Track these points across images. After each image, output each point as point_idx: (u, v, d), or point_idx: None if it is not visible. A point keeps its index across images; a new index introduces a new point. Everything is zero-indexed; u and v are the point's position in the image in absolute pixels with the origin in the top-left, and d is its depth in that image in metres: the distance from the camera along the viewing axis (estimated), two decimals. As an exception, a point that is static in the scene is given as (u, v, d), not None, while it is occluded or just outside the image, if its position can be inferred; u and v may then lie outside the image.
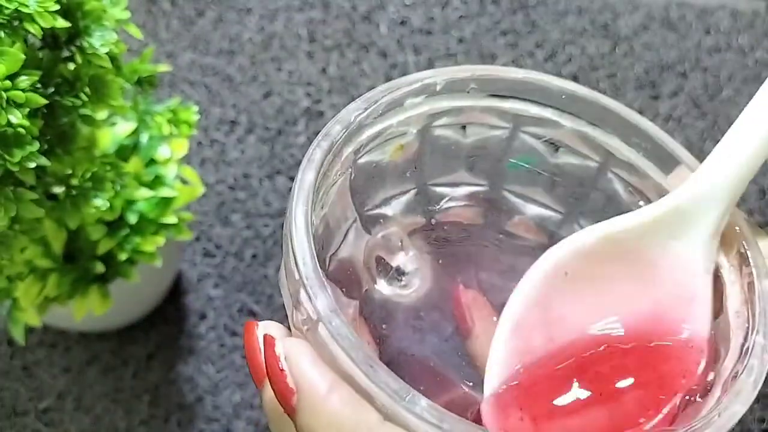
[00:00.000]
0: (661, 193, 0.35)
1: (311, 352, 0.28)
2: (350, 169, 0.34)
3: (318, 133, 0.32)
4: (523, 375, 0.32)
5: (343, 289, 0.33)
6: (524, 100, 0.36)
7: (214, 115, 0.73)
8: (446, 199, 0.38)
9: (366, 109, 0.33)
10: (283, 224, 0.67)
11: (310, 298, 0.27)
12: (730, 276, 0.33)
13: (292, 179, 0.69)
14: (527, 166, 0.38)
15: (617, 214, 0.35)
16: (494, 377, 0.32)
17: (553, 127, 0.37)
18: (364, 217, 0.36)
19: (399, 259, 0.36)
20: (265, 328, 0.30)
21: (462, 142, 0.37)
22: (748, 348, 0.30)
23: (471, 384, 0.34)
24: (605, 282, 0.34)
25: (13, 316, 0.51)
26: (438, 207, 0.38)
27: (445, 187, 0.38)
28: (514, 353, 0.33)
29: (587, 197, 0.38)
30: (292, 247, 0.28)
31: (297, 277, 0.28)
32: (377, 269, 0.36)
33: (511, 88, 0.36)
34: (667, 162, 0.35)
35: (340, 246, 0.34)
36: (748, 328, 0.31)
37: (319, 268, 0.28)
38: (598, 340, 0.33)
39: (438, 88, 0.35)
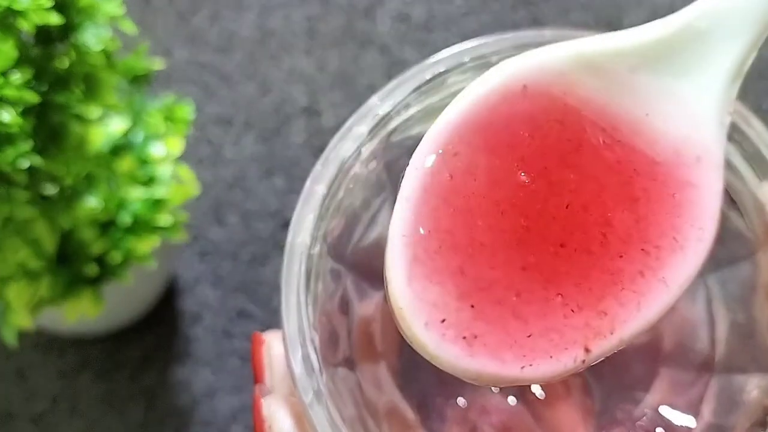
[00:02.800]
0: (755, 200, 0.30)
1: (293, 422, 0.28)
2: (380, 154, 0.31)
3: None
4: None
5: (368, 278, 0.32)
6: None
7: (211, 112, 0.72)
8: None
9: (391, 110, 0.30)
10: (280, 224, 0.67)
11: (290, 365, 0.27)
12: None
13: (289, 178, 0.68)
14: None
15: None
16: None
17: None
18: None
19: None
20: (270, 343, 0.30)
21: None
22: None
23: (500, 388, 0.33)
24: (576, 113, 0.26)
25: (6, 319, 0.51)
26: None
27: None
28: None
29: None
30: (282, 300, 0.28)
31: (283, 333, 0.27)
32: None
33: None
34: (765, 169, 0.30)
35: (367, 229, 0.32)
36: None
37: (306, 328, 0.27)
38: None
39: (494, 60, 0.30)
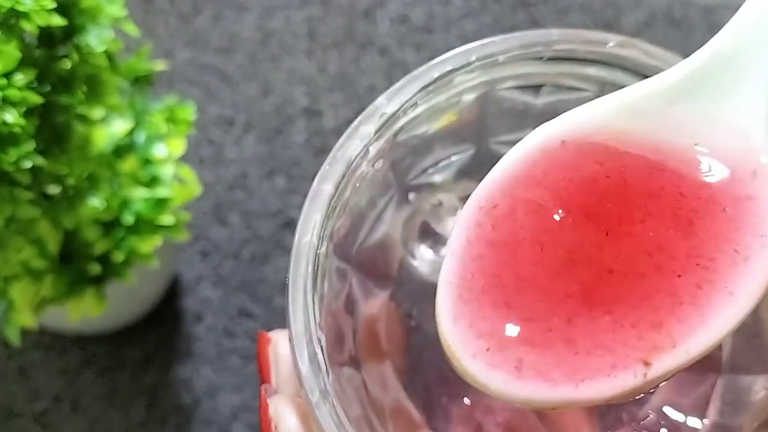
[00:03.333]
0: None
1: (299, 422, 0.28)
2: (384, 156, 0.31)
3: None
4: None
5: (374, 277, 0.32)
6: (613, 66, 0.31)
7: (212, 113, 0.72)
8: None
9: (398, 109, 0.30)
10: (281, 224, 0.67)
11: (296, 365, 0.27)
12: None
13: (290, 178, 0.69)
14: None
15: None
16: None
17: None
18: (406, 188, 0.33)
19: (447, 227, 0.33)
20: (277, 342, 0.30)
21: (533, 103, 0.33)
22: None
23: None
24: (628, 161, 0.27)
25: (9, 318, 0.51)
26: None
27: (509, 146, 0.33)
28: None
29: None
30: (289, 299, 0.28)
31: (291, 341, 0.27)
32: (419, 239, 0.33)
33: (598, 58, 0.31)
34: None
35: (372, 228, 0.32)
36: None
37: (312, 327, 0.27)
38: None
39: (501, 59, 0.31)
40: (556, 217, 0.26)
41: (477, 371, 0.24)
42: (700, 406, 0.31)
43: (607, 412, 0.32)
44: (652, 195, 0.26)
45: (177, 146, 0.55)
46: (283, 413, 0.28)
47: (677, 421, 0.31)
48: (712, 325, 0.25)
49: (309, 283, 0.28)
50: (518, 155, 0.27)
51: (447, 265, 0.26)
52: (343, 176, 0.29)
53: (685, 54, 0.28)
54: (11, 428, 0.61)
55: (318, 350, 0.27)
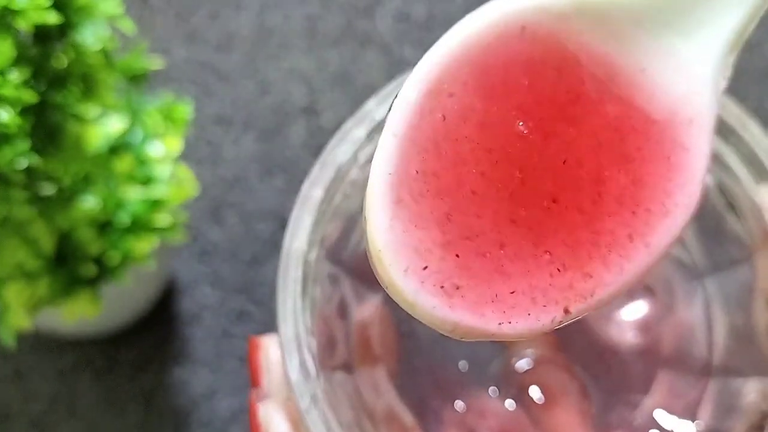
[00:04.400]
0: (752, 203, 0.30)
1: (289, 427, 0.28)
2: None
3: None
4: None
5: (367, 282, 0.32)
6: None
7: (210, 112, 0.72)
8: None
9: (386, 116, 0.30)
10: (280, 225, 0.67)
11: (286, 370, 0.27)
12: None
13: (289, 178, 0.68)
14: None
15: (699, 209, 0.29)
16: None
17: None
18: None
19: None
20: (267, 347, 0.31)
21: None
22: None
23: (498, 390, 0.33)
24: (573, 61, 0.25)
25: (4, 320, 0.51)
26: None
27: None
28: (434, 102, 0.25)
29: None
30: (278, 304, 0.28)
31: (279, 337, 0.27)
32: None
33: None
34: (761, 172, 0.30)
35: (364, 234, 0.32)
36: None
37: (302, 333, 0.27)
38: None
39: None
40: (512, 129, 0.24)
41: (407, 288, 0.22)
42: (692, 408, 0.31)
43: (601, 415, 0.32)
44: (608, 124, 0.25)
45: (173, 145, 0.55)
46: (273, 418, 0.28)
47: (670, 423, 0.31)
48: (627, 277, 0.24)
49: (298, 289, 0.28)
50: (475, 31, 0.25)
51: (386, 150, 0.23)
52: (333, 181, 0.29)
53: None
54: (6, 431, 0.61)
55: (308, 356, 0.27)
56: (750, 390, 0.30)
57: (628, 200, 0.24)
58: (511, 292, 0.23)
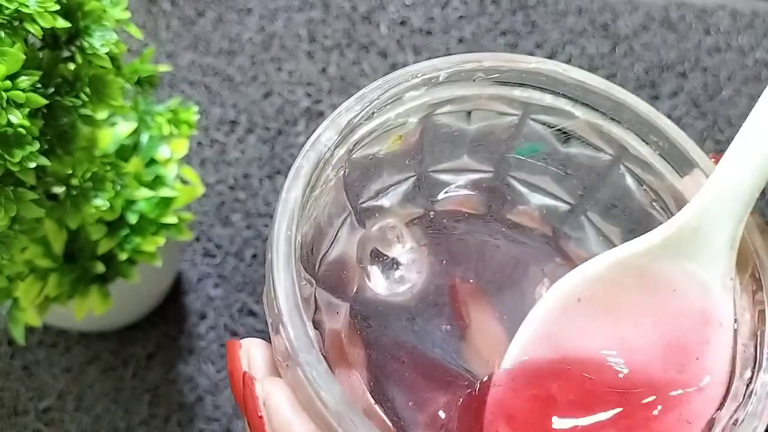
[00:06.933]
0: (675, 195, 0.33)
1: (290, 398, 0.27)
2: (343, 167, 0.32)
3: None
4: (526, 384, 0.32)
5: (334, 292, 0.33)
6: (535, 88, 0.34)
7: (214, 115, 0.73)
8: (448, 186, 0.36)
9: (359, 112, 0.31)
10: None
11: (288, 338, 0.27)
12: (741, 302, 0.31)
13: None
14: (535, 153, 0.36)
15: (629, 211, 0.34)
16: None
17: (566, 116, 0.34)
18: (358, 210, 0.34)
19: (395, 251, 0.34)
20: (248, 347, 0.30)
21: (466, 129, 0.35)
22: (752, 390, 0.28)
23: (466, 384, 0.33)
24: (620, 309, 0.32)
25: (14, 316, 0.51)
26: (439, 196, 0.36)
27: (447, 174, 0.36)
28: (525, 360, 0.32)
29: (597, 190, 0.36)
30: (273, 279, 0.27)
31: (276, 311, 0.27)
32: (372, 263, 0.34)
33: (522, 77, 0.33)
34: (683, 164, 0.33)
35: (331, 245, 0.33)
36: (754, 365, 0.29)
37: (300, 304, 0.27)
38: (605, 371, 0.32)
39: (441, 78, 0.33)
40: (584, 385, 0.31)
41: None
42: None
43: None
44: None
45: (180, 147, 0.56)
46: (271, 389, 0.28)
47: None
48: None
49: (292, 262, 0.28)
50: (551, 306, 0.33)
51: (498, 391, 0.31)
52: (312, 174, 0.30)
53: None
54: (15, 426, 0.62)
55: (309, 324, 0.27)
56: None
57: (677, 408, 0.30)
58: None
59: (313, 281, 0.32)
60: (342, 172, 0.33)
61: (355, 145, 0.32)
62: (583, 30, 0.78)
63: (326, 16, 0.77)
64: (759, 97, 0.30)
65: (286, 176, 0.30)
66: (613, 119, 0.34)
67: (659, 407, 0.30)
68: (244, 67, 0.75)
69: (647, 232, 0.32)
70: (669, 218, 0.32)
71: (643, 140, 0.34)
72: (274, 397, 0.28)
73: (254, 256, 0.67)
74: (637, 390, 0.31)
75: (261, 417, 0.28)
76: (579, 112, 0.34)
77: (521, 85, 0.34)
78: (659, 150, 0.33)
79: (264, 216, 0.69)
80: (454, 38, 0.76)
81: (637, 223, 0.35)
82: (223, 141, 0.72)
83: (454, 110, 0.34)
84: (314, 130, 0.31)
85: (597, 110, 0.34)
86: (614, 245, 0.35)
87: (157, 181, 0.54)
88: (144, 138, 0.55)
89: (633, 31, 0.77)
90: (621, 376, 0.31)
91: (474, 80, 0.33)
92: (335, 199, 0.33)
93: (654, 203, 0.34)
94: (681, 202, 0.33)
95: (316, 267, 0.32)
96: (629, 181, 0.35)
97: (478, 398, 0.32)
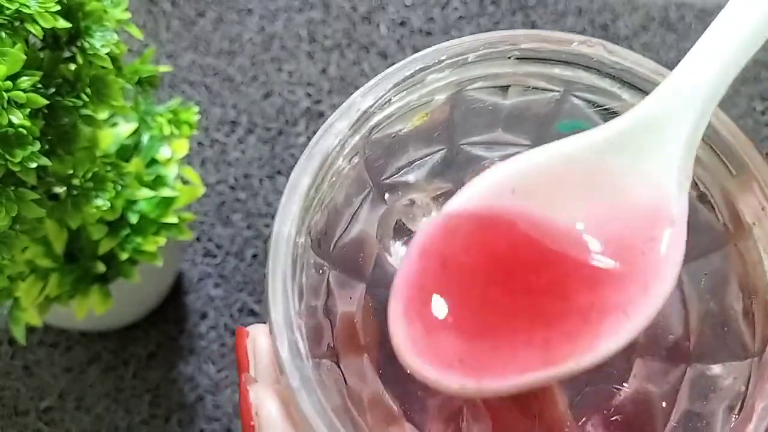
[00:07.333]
0: (724, 191, 0.31)
1: (281, 410, 0.28)
2: (359, 152, 0.32)
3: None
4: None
5: (350, 273, 0.32)
6: (578, 67, 0.32)
7: (215, 115, 0.73)
8: (484, 161, 0.34)
9: (372, 105, 0.31)
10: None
11: (277, 352, 0.27)
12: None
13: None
14: (578, 129, 0.32)
15: None
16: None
17: (611, 97, 0.33)
18: (381, 186, 0.33)
19: (420, 225, 0.33)
20: (255, 336, 0.31)
21: (502, 103, 0.34)
22: None
23: None
24: (557, 204, 0.30)
25: (15, 316, 0.51)
26: (471, 170, 0.34)
27: (480, 148, 0.35)
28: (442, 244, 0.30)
29: None
30: (268, 287, 0.28)
31: (269, 320, 0.27)
32: (394, 238, 0.34)
33: (562, 56, 0.32)
34: (733, 161, 0.31)
35: (348, 225, 0.33)
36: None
37: (292, 315, 0.27)
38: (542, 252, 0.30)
39: (470, 58, 0.32)
40: (505, 260, 0.29)
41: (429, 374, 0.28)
42: (670, 393, 0.32)
43: (581, 401, 0.32)
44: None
45: (180, 147, 0.56)
46: (264, 399, 0.28)
47: (648, 409, 0.32)
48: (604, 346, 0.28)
49: (288, 272, 0.28)
50: (475, 192, 0.30)
51: (405, 280, 0.29)
52: (320, 169, 0.30)
53: (680, 56, 0.30)
54: (16, 425, 0.62)
55: (298, 336, 0.27)
56: (726, 374, 0.31)
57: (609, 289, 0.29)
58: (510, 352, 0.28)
59: (326, 266, 0.31)
60: (359, 155, 0.32)
61: (371, 130, 0.31)
62: (583, 30, 0.78)
63: (326, 16, 0.77)
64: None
65: (286, 176, 0.30)
66: None
67: (597, 292, 0.29)
68: (245, 67, 0.75)
69: (690, 225, 0.30)
70: (715, 213, 0.31)
71: None
72: (266, 408, 0.28)
73: (255, 255, 0.67)
74: (574, 274, 0.29)
75: (253, 426, 0.28)
76: (626, 94, 0.33)
77: (562, 62, 0.32)
78: (709, 142, 0.32)
79: (264, 216, 0.69)
80: (454, 39, 0.76)
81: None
82: (224, 141, 0.72)
83: (486, 86, 0.33)
84: (314, 131, 0.30)
85: (646, 93, 0.31)
86: None
87: (157, 181, 0.54)
88: (145, 138, 0.55)
89: (633, 31, 0.77)
90: (554, 258, 0.29)
91: (509, 58, 0.32)
92: (355, 180, 0.32)
93: (701, 198, 0.33)
94: (729, 200, 0.31)
95: (331, 249, 0.32)
96: None
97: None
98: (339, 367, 0.31)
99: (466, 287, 0.29)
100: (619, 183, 0.30)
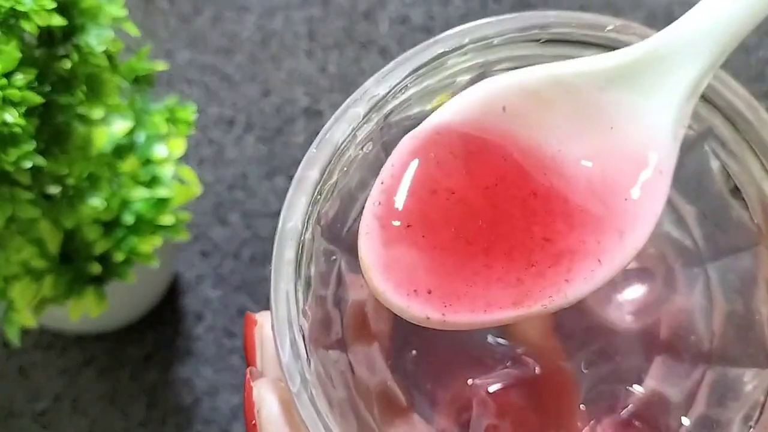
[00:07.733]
0: (761, 193, 0.30)
1: (281, 411, 0.28)
2: (377, 136, 0.31)
3: (317, 134, 0.29)
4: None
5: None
6: (610, 50, 0.30)
7: (212, 114, 0.72)
8: None
9: (388, 92, 0.30)
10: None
11: (278, 352, 0.27)
12: None
13: (291, 179, 0.68)
14: None
15: (707, 194, 0.31)
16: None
17: None
18: None
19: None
20: (263, 323, 0.31)
21: None
22: None
23: (494, 363, 0.32)
24: (547, 130, 0.29)
25: (9, 318, 0.51)
26: None
27: None
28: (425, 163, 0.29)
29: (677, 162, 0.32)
30: (272, 284, 0.28)
31: (272, 317, 0.27)
32: None
33: (597, 39, 0.30)
34: None
35: (363, 210, 0.31)
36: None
37: (295, 322, 0.27)
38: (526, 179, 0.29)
39: (496, 42, 0.30)
40: (487, 183, 0.29)
41: (398, 302, 0.27)
42: (688, 395, 0.31)
43: (596, 398, 0.32)
44: (565, 177, 0.29)
45: (177, 146, 0.55)
46: (266, 398, 0.28)
47: (665, 409, 0.31)
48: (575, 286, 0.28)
49: (292, 269, 0.28)
50: (461, 107, 0.29)
51: (382, 195, 0.28)
52: (330, 160, 0.29)
53: None
54: (11, 428, 0.62)
55: (299, 337, 0.27)
56: (747, 380, 0.30)
57: (589, 227, 0.28)
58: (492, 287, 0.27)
59: (338, 252, 0.31)
60: (373, 142, 0.31)
61: (387, 116, 0.31)
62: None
63: (325, 14, 0.77)
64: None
65: (285, 176, 0.29)
66: (703, 98, 0.30)
67: (575, 234, 0.28)
68: (243, 65, 0.74)
69: (721, 220, 0.29)
70: (748, 211, 0.30)
71: (732, 125, 0.31)
72: (267, 407, 0.28)
73: (252, 256, 0.67)
74: (556, 211, 0.28)
75: (254, 424, 0.28)
76: None
77: (593, 45, 0.31)
78: (747, 138, 0.30)
79: (262, 216, 0.68)
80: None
81: (711, 210, 0.32)
82: (221, 140, 0.71)
83: (512, 67, 0.31)
84: (314, 130, 0.30)
85: None
86: (687, 226, 0.33)
87: (153, 181, 0.54)
88: (141, 137, 0.55)
89: (635, 29, 0.77)
90: (537, 190, 0.29)
91: (539, 41, 0.31)
92: (372, 163, 0.31)
93: (734, 193, 0.31)
94: (764, 200, 0.30)
95: (344, 235, 0.32)
96: (713, 163, 0.32)
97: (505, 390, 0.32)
98: (347, 357, 0.31)
99: (445, 215, 0.28)
100: (613, 119, 0.29)
